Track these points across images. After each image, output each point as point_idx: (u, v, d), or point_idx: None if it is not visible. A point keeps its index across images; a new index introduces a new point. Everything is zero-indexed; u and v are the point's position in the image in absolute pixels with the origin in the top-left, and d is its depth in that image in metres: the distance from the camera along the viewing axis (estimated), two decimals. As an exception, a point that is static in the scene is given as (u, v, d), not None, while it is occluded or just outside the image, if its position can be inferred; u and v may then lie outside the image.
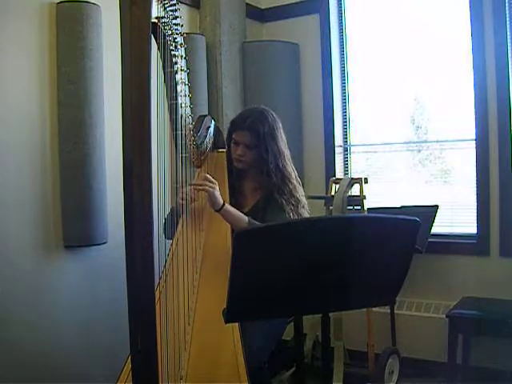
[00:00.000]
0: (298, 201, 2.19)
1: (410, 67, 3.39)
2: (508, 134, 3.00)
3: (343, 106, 3.67)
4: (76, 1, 2.42)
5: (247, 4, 3.57)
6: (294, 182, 2.23)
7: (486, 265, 3.08)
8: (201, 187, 1.99)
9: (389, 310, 3.08)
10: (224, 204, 2.00)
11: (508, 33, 2.98)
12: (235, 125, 2.24)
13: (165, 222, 2.05)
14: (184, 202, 2.03)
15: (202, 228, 2.10)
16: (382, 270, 1.42)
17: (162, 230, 2.03)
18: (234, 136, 2.22)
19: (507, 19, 2.98)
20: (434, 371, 3.00)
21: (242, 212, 2.23)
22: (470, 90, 3.10)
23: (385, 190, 3.49)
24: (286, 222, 1.88)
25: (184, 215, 2.05)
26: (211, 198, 1.99)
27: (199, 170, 2.24)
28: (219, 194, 2.00)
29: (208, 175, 2.03)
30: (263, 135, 2.16)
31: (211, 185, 1.99)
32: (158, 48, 1.69)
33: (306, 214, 2.21)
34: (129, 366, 1.54)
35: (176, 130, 1.89)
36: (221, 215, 2.01)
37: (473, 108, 3.09)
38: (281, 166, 2.20)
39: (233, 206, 2.19)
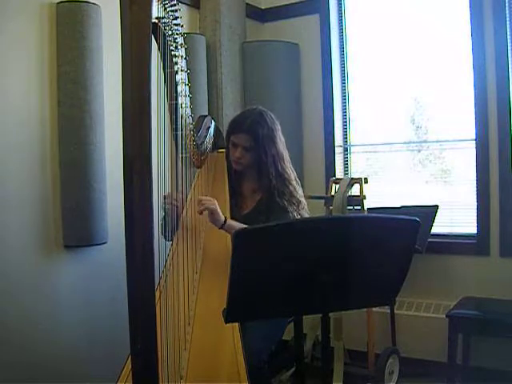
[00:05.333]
0: (298, 201, 2.19)
1: (410, 67, 3.39)
2: (508, 134, 3.01)
3: (343, 106, 3.67)
4: (76, 1, 2.42)
5: (247, 4, 3.57)
6: (294, 183, 2.22)
7: (486, 265, 3.08)
8: (202, 206, 1.93)
9: (389, 310, 3.09)
10: (226, 220, 1.97)
11: (508, 33, 2.98)
12: (233, 127, 2.22)
13: (164, 224, 2.04)
14: (172, 206, 2.01)
15: (202, 228, 2.10)
16: (382, 269, 1.42)
17: (160, 232, 2.03)
18: (232, 138, 2.21)
19: (507, 19, 2.98)
20: (434, 371, 3.00)
21: (243, 213, 2.24)
22: (470, 90, 3.11)
23: (385, 190, 3.49)
24: (285, 222, 1.88)
25: (183, 215, 2.05)
26: (214, 215, 1.94)
27: (199, 171, 2.24)
28: (220, 210, 1.96)
29: (204, 197, 1.98)
30: (261, 137, 2.14)
31: (212, 202, 1.94)
32: (159, 48, 1.68)
33: (306, 214, 2.21)
34: (129, 366, 1.54)
35: (176, 131, 1.89)
36: (224, 231, 1.97)
37: (473, 108, 3.09)
38: (280, 168, 2.18)
39: (233, 206, 2.20)
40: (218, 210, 1.95)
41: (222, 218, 1.96)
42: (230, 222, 1.99)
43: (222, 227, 1.96)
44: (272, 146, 2.17)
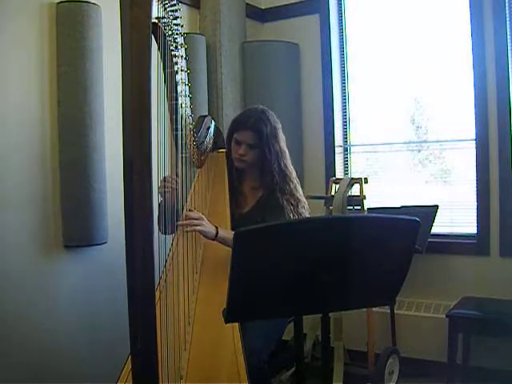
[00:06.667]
0: (298, 200, 2.20)
1: (410, 67, 3.39)
2: (508, 134, 3.01)
3: (343, 106, 3.67)
4: (76, 1, 2.42)
5: (247, 4, 3.57)
6: (295, 181, 2.24)
7: (486, 265, 3.08)
8: (190, 228, 1.91)
9: (389, 310, 3.08)
10: (217, 232, 1.94)
11: (508, 33, 2.98)
12: (237, 124, 2.23)
13: (159, 215, 2.01)
14: (164, 191, 2.01)
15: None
16: (382, 270, 1.42)
17: (158, 228, 2.00)
18: (235, 136, 2.22)
19: (507, 19, 2.98)
20: (434, 371, 3.00)
21: (244, 212, 2.24)
22: (470, 89, 3.11)
23: (385, 190, 3.49)
24: (285, 221, 1.88)
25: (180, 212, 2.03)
26: (203, 234, 1.93)
27: (199, 171, 2.24)
28: (209, 225, 1.94)
29: (190, 212, 1.95)
30: (266, 135, 2.16)
31: (198, 222, 1.91)
32: (159, 48, 1.68)
33: (306, 213, 2.21)
34: (129, 366, 1.54)
35: (176, 131, 1.89)
36: (218, 242, 1.96)
37: (473, 108, 3.09)
38: (282, 165, 2.21)
39: (234, 206, 2.20)
40: (205, 226, 1.92)
41: (213, 232, 1.94)
42: (222, 233, 1.96)
43: (214, 239, 1.95)
44: (275, 144, 2.19)
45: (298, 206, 2.18)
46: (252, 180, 2.29)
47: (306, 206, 2.24)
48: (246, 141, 2.18)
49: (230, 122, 2.31)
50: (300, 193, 2.24)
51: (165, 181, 2.01)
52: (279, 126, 2.25)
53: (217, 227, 1.96)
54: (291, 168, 2.26)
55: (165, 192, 2.02)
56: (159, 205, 2.00)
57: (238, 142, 2.20)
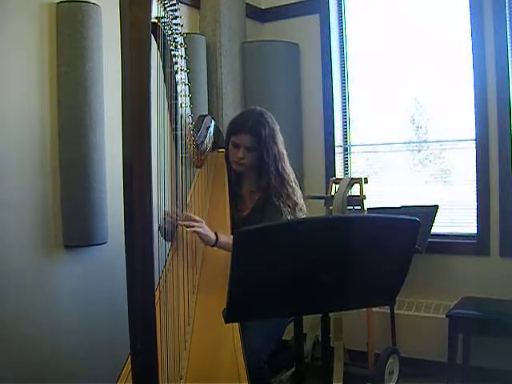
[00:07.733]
0: (295, 203, 2.17)
1: (410, 67, 3.39)
2: (508, 134, 3.00)
3: (343, 106, 3.67)
4: (76, 1, 2.42)
5: (247, 4, 3.57)
6: (293, 184, 2.21)
7: (486, 265, 3.08)
8: (190, 229, 1.91)
9: (389, 310, 3.08)
10: (217, 238, 1.94)
11: (508, 33, 2.98)
12: (235, 127, 2.21)
13: (163, 231, 2.02)
14: (170, 223, 1.97)
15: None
16: (382, 270, 1.42)
17: (161, 234, 2.00)
18: (233, 139, 2.20)
19: (507, 19, 2.98)
20: (434, 371, 3.00)
21: (243, 215, 2.24)
22: (470, 89, 3.11)
23: (385, 190, 3.49)
24: (285, 221, 1.88)
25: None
26: (203, 237, 1.92)
27: (199, 170, 2.24)
28: (208, 229, 1.93)
29: (192, 214, 1.95)
30: (264, 137, 2.14)
31: (199, 224, 1.91)
32: (158, 48, 1.68)
33: (303, 216, 2.20)
34: (129, 365, 1.54)
35: (176, 130, 1.89)
36: (218, 248, 1.95)
37: (473, 108, 3.09)
38: (280, 168, 2.18)
39: (233, 209, 2.20)
40: (206, 230, 1.92)
41: (213, 237, 1.93)
42: (221, 239, 1.95)
43: (214, 245, 1.94)
44: (274, 146, 2.17)
45: (295, 209, 2.16)
46: (250, 183, 2.28)
47: (304, 208, 2.22)
48: (244, 144, 2.16)
49: (228, 125, 2.29)
50: (298, 195, 2.21)
51: (165, 214, 1.96)
52: (277, 127, 2.22)
53: (216, 233, 1.94)
54: (289, 170, 2.23)
55: (165, 228, 1.98)
56: (159, 227, 1.98)
57: (236, 145, 2.19)
